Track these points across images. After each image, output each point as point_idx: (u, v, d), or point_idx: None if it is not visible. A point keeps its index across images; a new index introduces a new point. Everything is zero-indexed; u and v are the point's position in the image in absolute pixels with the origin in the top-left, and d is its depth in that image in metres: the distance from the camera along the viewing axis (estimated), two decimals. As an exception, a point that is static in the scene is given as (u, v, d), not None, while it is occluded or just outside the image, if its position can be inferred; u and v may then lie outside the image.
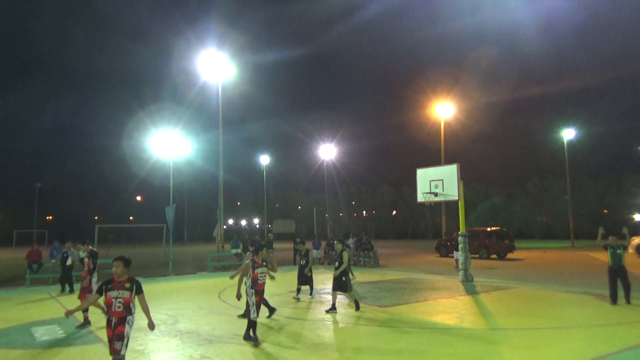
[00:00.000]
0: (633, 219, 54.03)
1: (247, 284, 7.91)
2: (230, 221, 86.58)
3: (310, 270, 12.84)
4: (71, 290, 14.65)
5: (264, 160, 48.38)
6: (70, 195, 79.64)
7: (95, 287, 9.47)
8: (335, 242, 11.78)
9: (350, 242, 24.08)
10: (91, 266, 9.93)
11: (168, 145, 24.23)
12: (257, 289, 7.89)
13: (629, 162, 58.59)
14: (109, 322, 5.43)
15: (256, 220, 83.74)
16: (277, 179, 68.05)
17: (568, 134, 41.92)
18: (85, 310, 9.29)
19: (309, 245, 25.15)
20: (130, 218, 76.82)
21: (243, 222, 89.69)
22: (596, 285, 14.05)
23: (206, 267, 21.79)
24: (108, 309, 5.42)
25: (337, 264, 10.93)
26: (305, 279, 12.67)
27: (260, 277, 7.95)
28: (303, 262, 12.92)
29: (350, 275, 16.37)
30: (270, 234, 27.70)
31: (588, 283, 14.84)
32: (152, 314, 5.86)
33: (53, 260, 18.42)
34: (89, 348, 7.67)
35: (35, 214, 67.38)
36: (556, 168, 51.95)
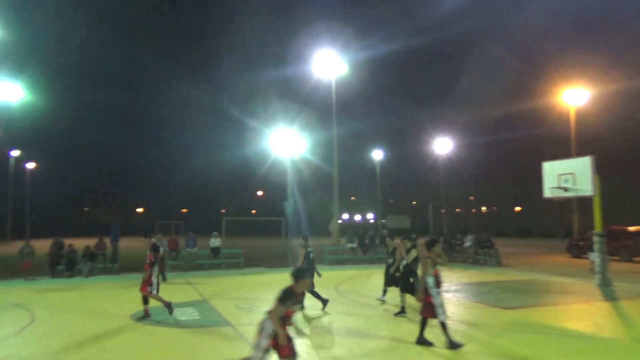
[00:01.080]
0: None
1: (430, 283, 7.15)
2: (346, 216, 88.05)
3: (398, 270, 10.92)
4: (164, 279, 14.92)
5: (377, 155, 48.37)
6: (201, 191, 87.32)
7: (155, 280, 9.38)
8: (387, 237, 11.16)
9: (469, 239, 23.09)
10: (152, 259, 9.46)
11: (285, 143, 25.41)
12: (441, 289, 7.22)
13: None
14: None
15: (370, 216, 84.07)
16: (391, 174, 67.60)
17: None
18: (146, 303, 9.44)
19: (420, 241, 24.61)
20: (253, 212, 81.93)
21: (358, 217, 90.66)
22: None
23: (323, 260, 22.47)
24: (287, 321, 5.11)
25: (390, 260, 10.63)
26: (391, 279, 10.87)
27: (441, 275, 7.30)
28: (390, 260, 11.21)
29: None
30: (384, 230, 27.66)
31: None
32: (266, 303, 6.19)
33: (188, 249, 20.43)
34: (220, 330, 8.37)
35: (173, 206, 75.32)
36: None
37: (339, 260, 22.56)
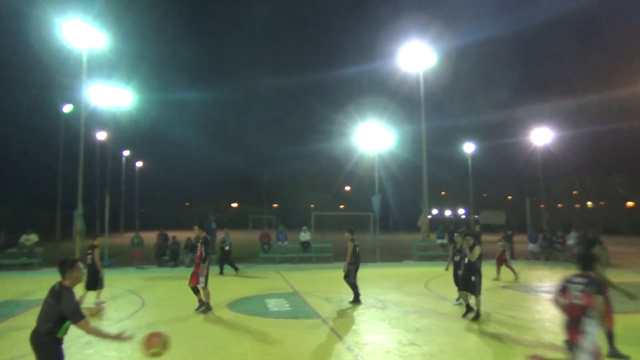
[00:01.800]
0: None
1: None
2: (435, 211, 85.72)
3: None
4: (235, 269, 15.95)
5: (469, 148, 46.39)
6: (291, 187, 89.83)
7: (204, 274, 9.34)
8: (455, 235, 10.20)
9: (572, 236, 21.36)
10: (203, 253, 9.43)
11: (372, 138, 25.26)
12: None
13: None
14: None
15: (461, 211, 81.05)
16: (484, 167, 64.47)
17: None
18: (197, 292, 9.48)
19: (522, 237, 23.18)
20: (341, 207, 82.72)
21: (448, 212, 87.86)
22: None
23: (412, 256, 22.09)
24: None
25: (457, 258, 9.94)
26: (464, 282, 9.27)
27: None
28: (457, 258, 10.11)
29: (497, 275, 14.55)
30: (477, 225, 26.50)
31: None
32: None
33: (279, 243, 21.14)
34: (310, 321, 8.57)
35: (264, 202, 78.31)
36: None
37: (428, 256, 22.04)
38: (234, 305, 10.13)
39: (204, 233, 9.83)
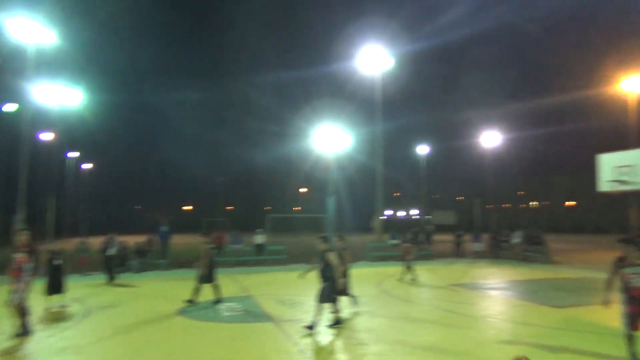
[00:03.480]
0: None
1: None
2: (389, 212, 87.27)
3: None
4: (112, 278, 15.01)
5: (423, 150, 47.61)
6: (246, 188, 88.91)
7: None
8: (317, 239, 8.79)
9: (517, 235, 22.33)
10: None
11: (329, 140, 25.45)
12: (633, 295, 6.03)
13: None
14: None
15: (414, 212, 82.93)
16: (436, 169, 66.31)
17: None
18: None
19: (468, 237, 23.99)
20: (296, 209, 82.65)
21: (401, 214, 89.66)
22: None
23: (365, 257, 22.37)
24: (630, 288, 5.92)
25: (321, 267, 8.46)
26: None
27: (634, 278, 6.04)
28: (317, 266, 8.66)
29: (402, 275, 14.54)
30: (430, 226, 27.23)
31: None
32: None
33: (233, 246, 20.89)
34: (263, 325, 8.50)
35: (219, 204, 77.13)
36: None
37: (382, 257, 22.40)
38: (184, 312, 9.90)
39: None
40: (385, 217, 71.81)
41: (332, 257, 8.37)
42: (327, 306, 8.22)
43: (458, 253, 23.14)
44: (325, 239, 8.76)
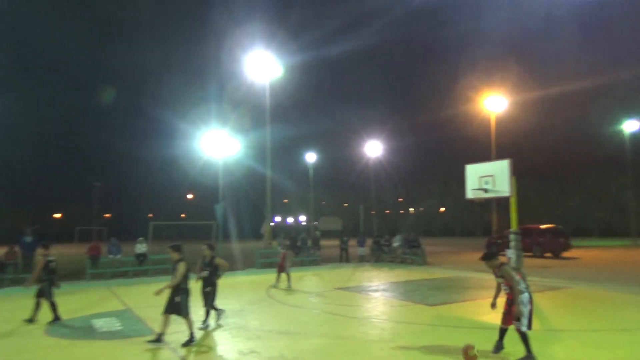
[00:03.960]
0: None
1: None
2: (278, 219, 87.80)
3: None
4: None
5: (311, 158, 48.73)
6: (126, 194, 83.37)
7: None
8: (203, 247, 9.16)
9: (397, 239, 23.84)
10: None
11: (217, 145, 24.90)
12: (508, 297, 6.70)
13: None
14: None
15: (303, 218, 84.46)
16: (323, 176, 68.35)
17: (630, 126, 39.57)
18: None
19: (353, 242, 25.01)
20: (183, 215, 79.44)
21: (290, 220, 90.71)
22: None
23: (255, 264, 22.21)
24: None
25: (205, 273, 9.03)
26: (168, 305, 7.93)
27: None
28: (206, 273, 9.14)
29: (277, 282, 14.36)
30: (317, 232, 27.89)
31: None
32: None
33: (110, 256, 19.36)
34: (145, 339, 7.98)
35: (95, 212, 71.06)
36: (616, 162, 49.07)
37: (271, 263, 22.41)
38: (52, 330, 8.94)
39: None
40: (274, 224, 72.15)
41: (221, 262, 9.11)
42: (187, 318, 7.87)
43: (344, 258, 24.02)
44: (210, 247, 9.29)
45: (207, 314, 9.06)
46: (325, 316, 9.99)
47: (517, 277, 6.57)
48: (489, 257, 6.88)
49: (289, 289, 14.05)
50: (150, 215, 70.94)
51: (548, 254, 25.41)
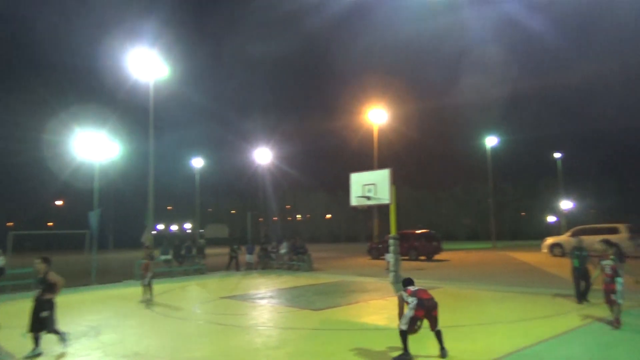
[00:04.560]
0: (546, 220, 58.68)
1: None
2: (161, 226, 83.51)
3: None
4: None
5: (197, 163, 47.18)
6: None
7: None
8: (38, 260, 7.96)
9: (284, 246, 24.03)
10: None
11: (93, 147, 22.97)
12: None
13: (544, 167, 63.11)
14: None
15: (188, 225, 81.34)
16: (210, 182, 66.48)
17: (491, 141, 44.57)
18: None
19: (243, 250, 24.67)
20: (50, 224, 71.87)
21: (174, 228, 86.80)
22: (516, 283, 15.03)
23: (134, 275, 20.82)
24: None
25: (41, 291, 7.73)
26: (32, 321, 7.61)
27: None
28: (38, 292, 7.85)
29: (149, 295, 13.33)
30: (201, 240, 27.00)
31: (508, 281, 15.82)
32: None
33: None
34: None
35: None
36: (479, 173, 55.06)
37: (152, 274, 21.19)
38: None
39: None
40: (157, 232, 68.45)
41: (56, 278, 7.75)
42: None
43: (234, 266, 23.49)
44: (45, 260, 7.94)
45: (37, 340, 7.58)
46: (210, 326, 9.70)
47: (405, 294, 7.07)
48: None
49: (148, 302, 13.02)
50: (10, 223, 63.00)
51: (422, 257, 27.45)
